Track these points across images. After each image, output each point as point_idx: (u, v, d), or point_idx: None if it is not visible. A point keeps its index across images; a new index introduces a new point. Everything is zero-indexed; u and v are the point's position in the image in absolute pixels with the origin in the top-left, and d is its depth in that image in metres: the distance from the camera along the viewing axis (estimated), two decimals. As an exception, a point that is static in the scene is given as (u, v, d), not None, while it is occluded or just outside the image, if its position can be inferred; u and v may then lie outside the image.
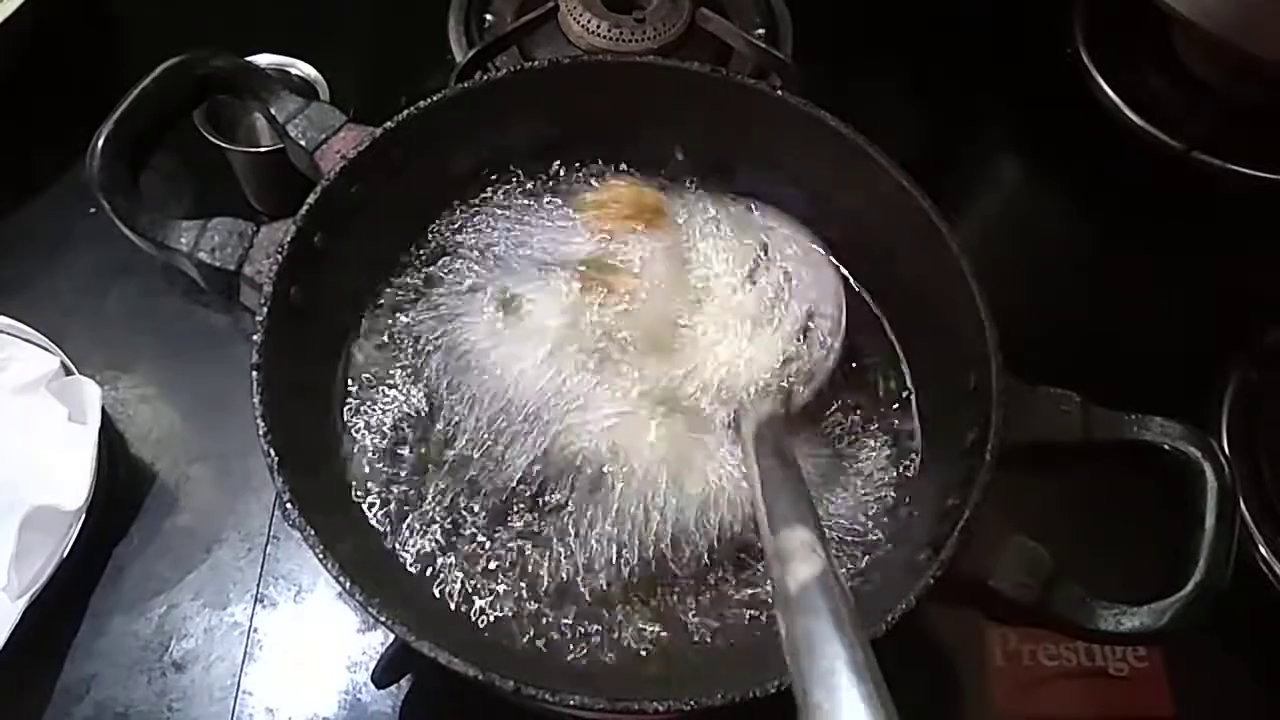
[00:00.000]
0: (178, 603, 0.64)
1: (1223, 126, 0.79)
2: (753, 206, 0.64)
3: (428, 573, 0.54)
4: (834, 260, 0.63)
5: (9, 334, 0.68)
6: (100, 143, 0.53)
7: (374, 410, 0.58)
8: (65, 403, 0.65)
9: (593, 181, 0.65)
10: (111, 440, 0.68)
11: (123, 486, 0.67)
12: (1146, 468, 0.54)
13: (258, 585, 0.64)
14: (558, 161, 0.65)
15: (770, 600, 0.53)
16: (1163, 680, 0.62)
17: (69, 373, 0.67)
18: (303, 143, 0.59)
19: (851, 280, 0.63)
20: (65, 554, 0.60)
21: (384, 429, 0.57)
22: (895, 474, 0.58)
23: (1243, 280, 0.81)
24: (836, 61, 0.87)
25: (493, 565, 0.54)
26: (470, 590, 0.53)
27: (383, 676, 0.56)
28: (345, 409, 0.58)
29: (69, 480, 0.61)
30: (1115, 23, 0.86)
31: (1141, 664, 0.63)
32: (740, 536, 0.55)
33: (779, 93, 0.62)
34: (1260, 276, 0.80)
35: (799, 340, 0.59)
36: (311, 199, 0.55)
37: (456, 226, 0.63)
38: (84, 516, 0.61)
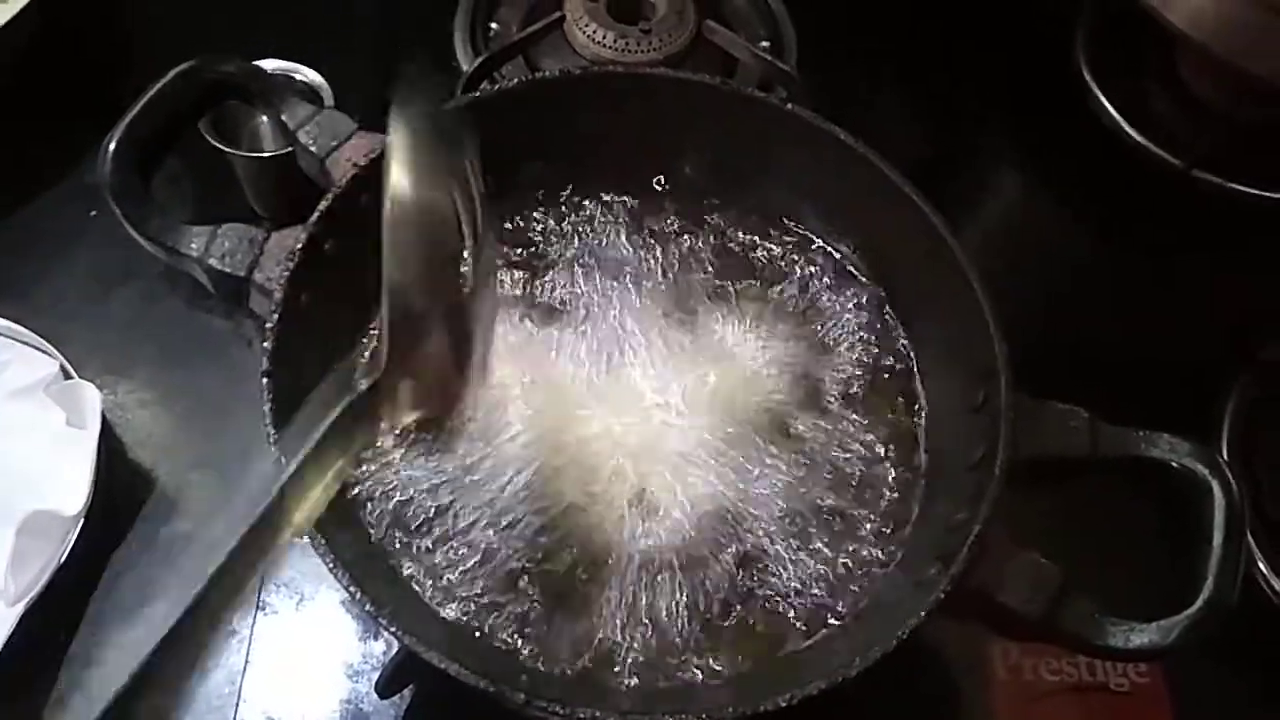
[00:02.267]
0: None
1: (1224, 146, 0.80)
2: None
3: (432, 582, 0.53)
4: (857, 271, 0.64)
5: (8, 336, 0.67)
6: (111, 147, 0.53)
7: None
8: (64, 407, 0.64)
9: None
10: (110, 445, 0.67)
11: (121, 492, 0.66)
12: (1152, 483, 0.54)
13: (259, 593, 0.63)
14: (564, 171, 0.65)
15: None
16: (1164, 695, 0.63)
17: (68, 376, 0.66)
18: (314, 149, 0.58)
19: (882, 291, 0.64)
20: (63, 559, 0.60)
21: (392, 438, 0.57)
22: (902, 487, 0.58)
23: (1242, 296, 0.81)
24: (839, 73, 0.87)
25: (500, 574, 0.54)
26: (478, 600, 0.53)
27: (386, 686, 0.56)
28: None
29: (67, 485, 0.61)
30: (1118, 41, 0.87)
31: (1143, 679, 0.63)
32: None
33: (787, 106, 0.62)
34: (1260, 293, 0.81)
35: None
36: (323, 206, 0.55)
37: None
38: (82, 522, 0.60)
